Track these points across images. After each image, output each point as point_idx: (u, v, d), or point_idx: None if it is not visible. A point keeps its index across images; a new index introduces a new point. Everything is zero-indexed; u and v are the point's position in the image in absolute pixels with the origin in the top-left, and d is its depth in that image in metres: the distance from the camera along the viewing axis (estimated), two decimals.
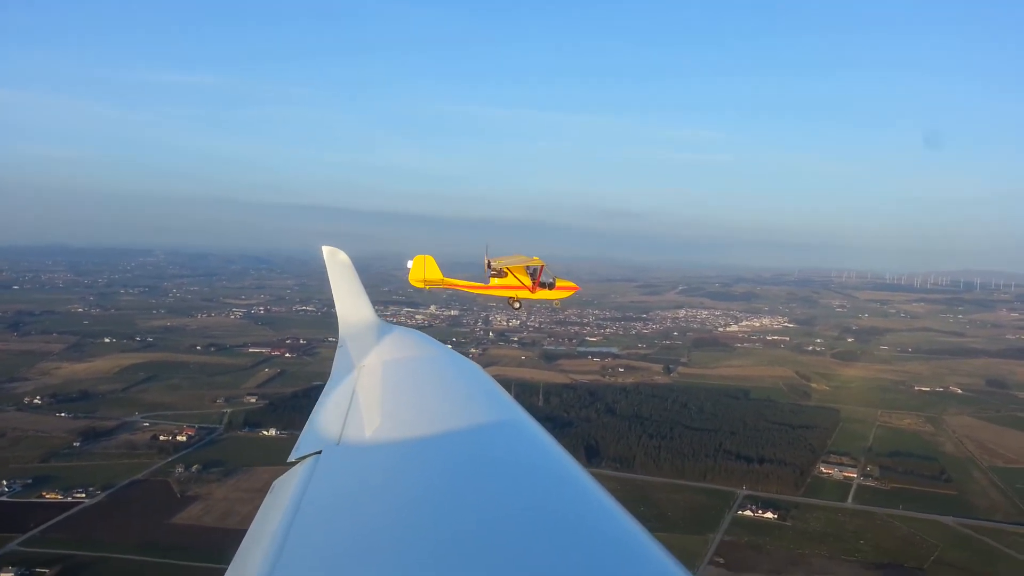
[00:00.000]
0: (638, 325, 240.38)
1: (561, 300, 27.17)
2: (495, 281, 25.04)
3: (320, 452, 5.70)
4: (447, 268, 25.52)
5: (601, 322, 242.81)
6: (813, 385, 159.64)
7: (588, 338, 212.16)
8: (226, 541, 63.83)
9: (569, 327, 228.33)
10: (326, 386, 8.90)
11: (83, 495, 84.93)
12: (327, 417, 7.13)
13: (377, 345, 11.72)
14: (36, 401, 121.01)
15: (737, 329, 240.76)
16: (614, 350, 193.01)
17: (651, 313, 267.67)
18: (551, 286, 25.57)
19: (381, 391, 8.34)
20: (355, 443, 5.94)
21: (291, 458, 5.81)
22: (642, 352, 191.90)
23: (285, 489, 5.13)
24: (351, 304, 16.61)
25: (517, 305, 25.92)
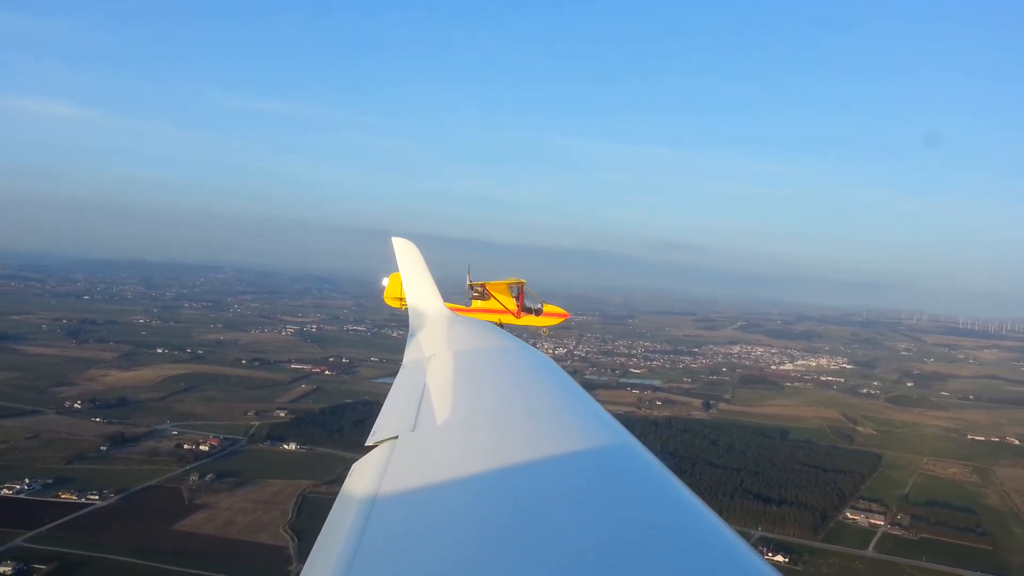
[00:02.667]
0: (687, 359, 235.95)
1: (548, 327, 26.36)
2: (477, 304, 24.33)
3: (396, 437, 5.68)
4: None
5: (650, 354, 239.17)
6: (859, 428, 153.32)
7: (632, 369, 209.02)
8: (218, 550, 64.89)
9: (616, 358, 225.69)
10: (398, 375, 8.94)
11: (96, 497, 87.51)
12: (401, 405, 7.07)
13: (447, 335, 11.85)
14: (76, 405, 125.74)
15: (791, 368, 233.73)
16: (656, 383, 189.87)
17: (703, 348, 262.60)
18: (538, 312, 24.73)
19: (453, 380, 8.25)
20: (431, 430, 5.95)
21: (369, 442, 5.77)
22: (685, 387, 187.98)
23: (364, 472, 5.09)
24: (421, 295, 17.38)
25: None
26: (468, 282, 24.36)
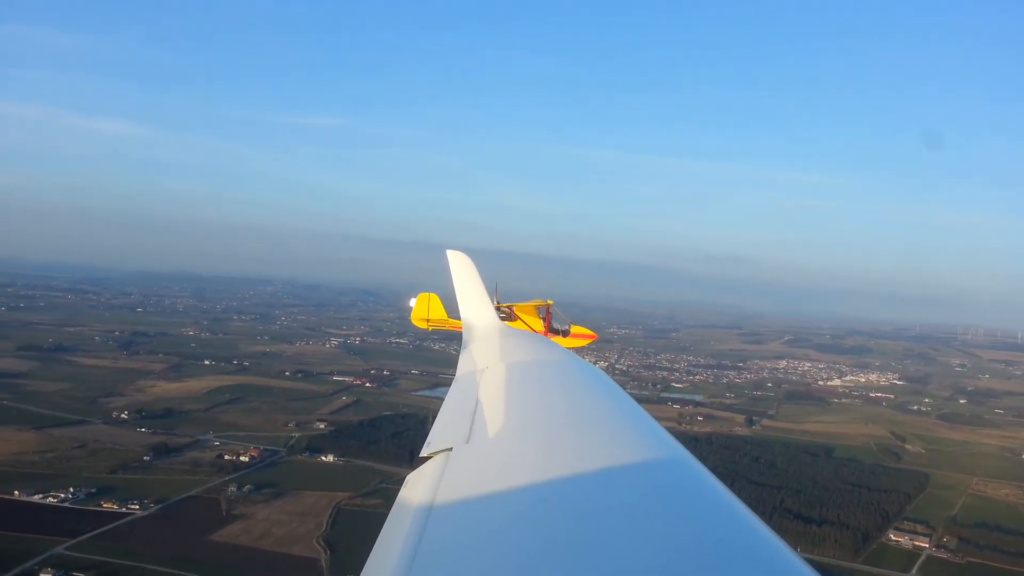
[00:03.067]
0: (731, 374, 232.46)
1: (576, 349, 26.33)
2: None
3: (450, 449, 5.83)
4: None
5: (692, 368, 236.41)
6: (907, 447, 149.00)
7: (674, 384, 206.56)
8: (252, 561, 65.81)
9: (658, 372, 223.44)
10: (451, 387, 9.12)
11: (137, 507, 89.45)
12: (455, 417, 7.27)
13: (500, 348, 11.96)
14: (123, 416, 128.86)
15: (839, 383, 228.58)
16: (698, 398, 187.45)
17: (748, 362, 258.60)
18: (565, 333, 25.12)
19: (506, 393, 8.33)
20: (485, 442, 6.07)
21: (423, 453, 5.95)
22: (728, 402, 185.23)
23: (419, 483, 5.24)
24: (474, 307, 17.57)
25: None
26: (495, 303, 24.49)
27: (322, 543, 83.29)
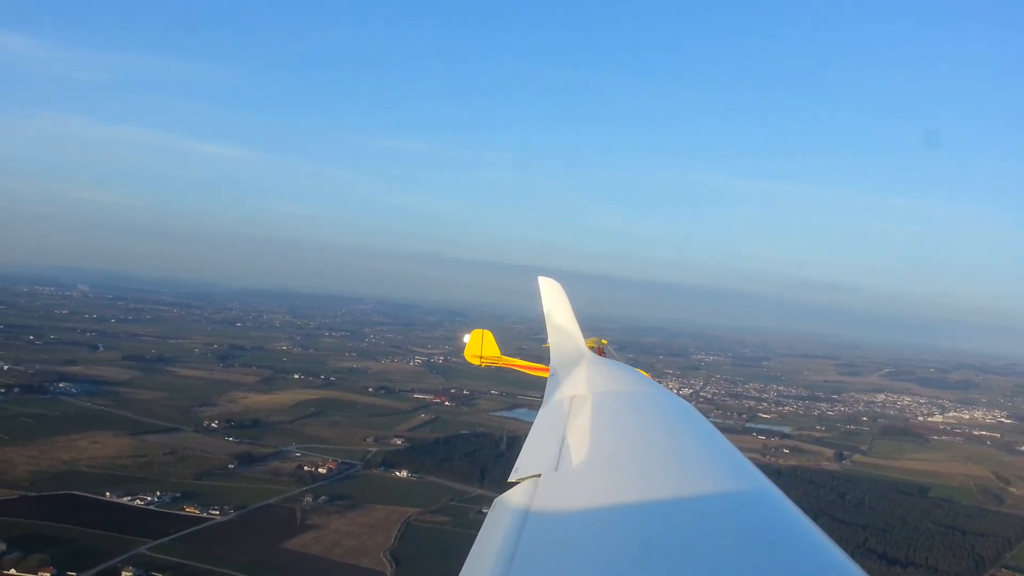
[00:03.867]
0: (824, 406, 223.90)
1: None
2: None
3: (539, 476, 5.93)
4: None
5: (782, 399, 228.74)
6: (1011, 490, 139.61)
7: (761, 414, 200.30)
8: (320, 570, 67.42)
9: (744, 401, 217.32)
10: (539, 413, 9.47)
11: (217, 512, 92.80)
12: (542, 443, 7.39)
13: (589, 377, 12.06)
14: (213, 425, 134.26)
15: (940, 420, 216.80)
16: (786, 429, 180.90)
17: (844, 394, 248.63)
18: None
19: (595, 422, 8.33)
20: (573, 470, 6.12)
21: (511, 479, 6.09)
22: (817, 435, 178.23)
23: (507, 506, 5.33)
24: (562, 334, 17.93)
25: None
26: (548, 344, 24.47)
27: (388, 557, 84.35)
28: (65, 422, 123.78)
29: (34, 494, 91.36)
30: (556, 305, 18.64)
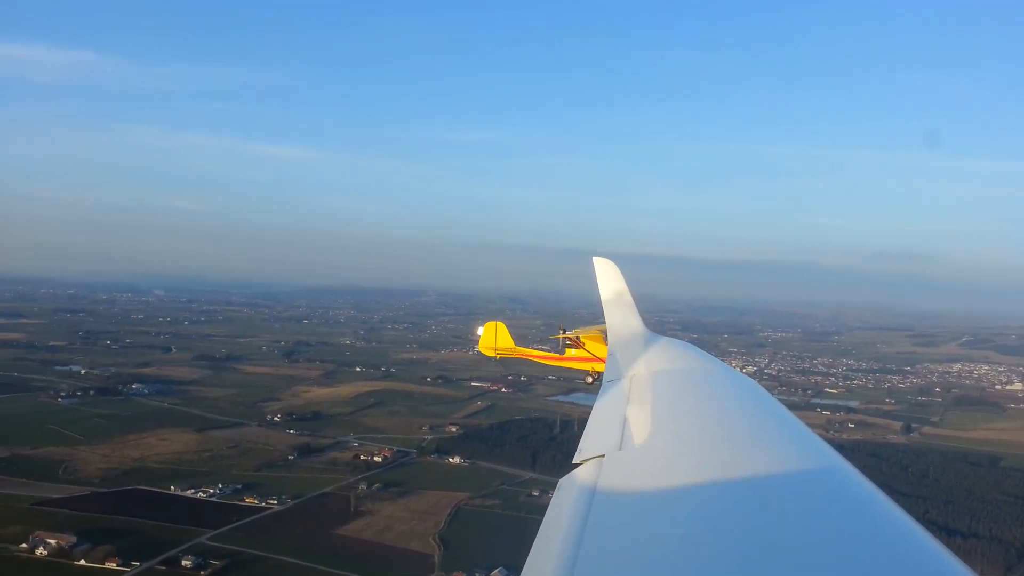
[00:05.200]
0: (895, 379, 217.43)
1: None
2: (571, 352, 24.27)
3: (603, 456, 5.97)
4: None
5: (851, 373, 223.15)
6: None
7: (828, 389, 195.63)
8: (371, 554, 69.60)
9: (811, 376, 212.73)
10: (599, 394, 9.50)
11: (275, 502, 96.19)
12: (605, 424, 7.40)
13: (648, 356, 12.02)
14: (275, 419, 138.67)
15: (1019, 388, 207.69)
16: (853, 404, 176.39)
17: (917, 366, 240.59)
18: None
19: (657, 401, 8.36)
20: (638, 450, 6.14)
21: (575, 460, 6.11)
22: (885, 408, 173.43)
23: (572, 488, 5.35)
24: (620, 314, 17.66)
25: (590, 380, 25.55)
26: (561, 332, 24.77)
27: (437, 540, 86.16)
28: (136, 421, 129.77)
29: (104, 490, 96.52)
30: (611, 285, 18.57)
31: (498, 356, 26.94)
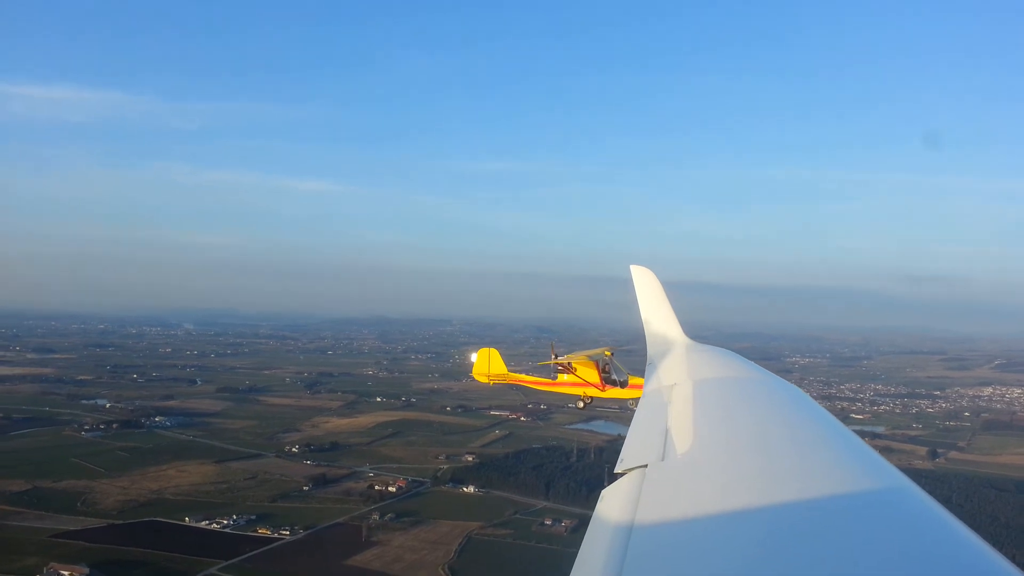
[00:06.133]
0: (924, 403, 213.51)
1: (635, 400, 26.71)
2: (562, 377, 25.15)
3: (645, 466, 5.89)
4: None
5: (878, 398, 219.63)
6: None
7: (854, 415, 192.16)
8: None
9: (836, 402, 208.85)
10: (640, 403, 9.51)
11: (287, 532, 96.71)
12: (647, 434, 7.33)
13: (689, 364, 12.01)
14: (293, 450, 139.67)
15: None
16: (879, 429, 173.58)
17: (947, 390, 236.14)
18: (623, 384, 24.57)
19: (700, 410, 8.30)
20: (681, 459, 6.09)
21: (617, 469, 6.07)
22: (912, 433, 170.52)
23: (615, 499, 5.30)
24: (659, 323, 17.73)
25: (581, 405, 25.28)
26: (553, 358, 24.64)
27: (447, 570, 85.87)
28: (156, 453, 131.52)
29: (120, 522, 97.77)
30: (649, 293, 18.44)
31: (491, 382, 27.32)
